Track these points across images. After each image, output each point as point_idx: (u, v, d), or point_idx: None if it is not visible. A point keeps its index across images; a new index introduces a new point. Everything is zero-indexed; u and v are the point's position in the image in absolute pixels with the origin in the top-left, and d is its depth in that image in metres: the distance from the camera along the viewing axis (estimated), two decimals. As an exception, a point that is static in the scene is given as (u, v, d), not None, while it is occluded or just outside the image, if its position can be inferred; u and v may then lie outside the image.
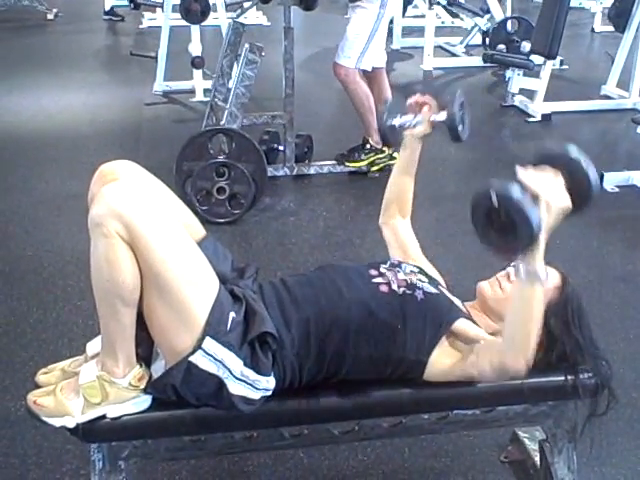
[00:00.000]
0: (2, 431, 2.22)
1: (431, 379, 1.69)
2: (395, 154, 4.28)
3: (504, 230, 1.42)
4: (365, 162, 4.27)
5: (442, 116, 1.88)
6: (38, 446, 2.16)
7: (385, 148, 4.27)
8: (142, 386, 1.61)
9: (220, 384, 1.57)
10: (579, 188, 1.54)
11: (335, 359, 1.65)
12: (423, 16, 6.80)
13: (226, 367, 1.56)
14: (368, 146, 4.26)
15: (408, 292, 1.71)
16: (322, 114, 5.28)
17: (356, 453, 2.15)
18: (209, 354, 1.54)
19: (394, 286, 1.72)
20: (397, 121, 1.94)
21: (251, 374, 1.58)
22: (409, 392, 1.73)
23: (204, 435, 1.71)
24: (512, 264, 1.76)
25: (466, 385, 1.72)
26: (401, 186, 2.03)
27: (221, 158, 3.67)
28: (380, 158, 4.28)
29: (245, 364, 1.57)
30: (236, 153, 3.68)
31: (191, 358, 1.54)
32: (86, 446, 1.74)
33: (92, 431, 1.61)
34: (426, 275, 1.83)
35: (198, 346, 1.54)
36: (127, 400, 1.60)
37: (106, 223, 1.47)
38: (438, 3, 6.91)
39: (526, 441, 2.07)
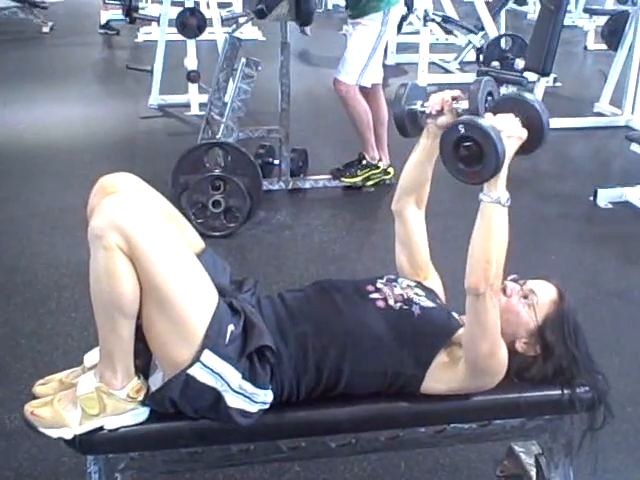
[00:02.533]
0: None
1: (429, 392, 1.69)
2: (390, 169, 4.30)
3: (471, 159, 1.54)
4: (360, 177, 4.29)
5: (465, 104, 1.71)
6: (33, 458, 2.14)
7: (380, 164, 4.30)
8: (140, 398, 1.61)
9: (218, 397, 1.57)
10: (534, 126, 1.64)
11: (333, 374, 1.66)
12: (418, 32, 6.84)
13: (224, 380, 1.56)
14: (364, 162, 4.28)
15: (405, 307, 1.71)
16: (317, 129, 5.30)
17: (352, 467, 2.15)
18: (207, 367, 1.55)
19: (390, 301, 1.73)
20: (418, 106, 1.79)
21: (249, 387, 1.58)
22: (406, 405, 1.73)
23: (201, 447, 1.70)
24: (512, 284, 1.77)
25: (463, 399, 1.73)
26: (421, 175, 1.91)
27: (217, 172, 3.69)
28: (375, 174, 4.30)
29: (243, 377, 1.58)
30: (232, 167, 3.69)
31: (189, 371, 1.54)
32: (82, 459, 1.74)
33: (89, 443, 1.60)
34: (423, 288, 1.83)
35: (197, 359, 1.54)
36: (125, 412, 1.59)
37: (106, 235, 1.48)
38: (433, 20, 6.96)
39: (522, 455, 2.07)
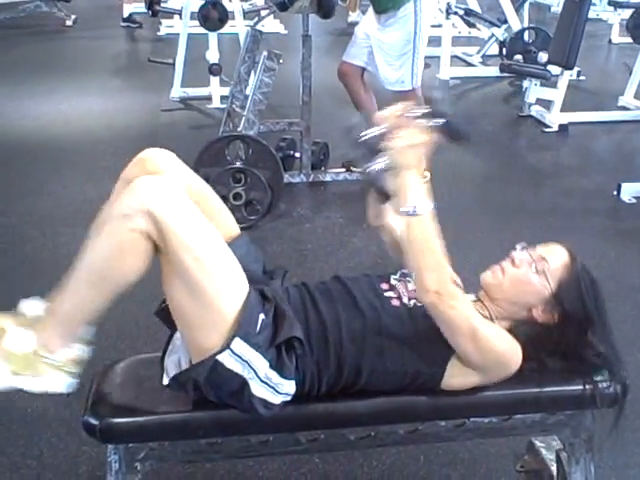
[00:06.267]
0: (18, 431, 2.23)
1: (449, 388, 1.69)
2: None
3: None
4: None
5: (438, 120, 1.70)
6: (54, 447, 2.16)
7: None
8: (74, 369, 1.57)
9: (243, 384, 1.56)
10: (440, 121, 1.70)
11: (353, 371, 1.65)
12: (440, 26, 6.79)
13: (252, 368, 1.55)
14: None
15: (419, 305, 1.69)
16: (339, 122, 5.27)
17: (371, 459, 2.15)
18: (237, 354, 1.54)
19: (405, 299, 1.72)
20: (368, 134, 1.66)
21: (275, 377, 1.58)
22: (426, 399, 1.72)
23: (220, 438, 1.71)
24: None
25: (483, 392, 1.72)
26: None
27: (238, 164, 3.69)
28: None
29: (270, 366, 1.57)
30: (253, 159, 3.69)
31: (218, 357, 1.53)
32: (102, 448, 1.75)
33: (110, 432, 1.61)
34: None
35: (227, 346, 1.53)
36: (52, 377, 1.55)
37: (136, 218, 1.47)
38: (455, 13, 6.92)
39: (542, 450, 2.06)
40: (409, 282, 1.76)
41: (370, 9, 4.09)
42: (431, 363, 1.66)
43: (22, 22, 8.65)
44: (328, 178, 4.32)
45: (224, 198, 3.63)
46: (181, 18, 6.12)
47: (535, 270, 1.71)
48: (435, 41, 7.36)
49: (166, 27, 8.39)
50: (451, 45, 6.81)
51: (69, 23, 8.79)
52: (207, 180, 3.57)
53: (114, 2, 9.32)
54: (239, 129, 3.92)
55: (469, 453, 2.18)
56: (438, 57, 6.81)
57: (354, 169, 4.24)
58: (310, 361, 1.63)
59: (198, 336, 1.56)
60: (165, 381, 1.61)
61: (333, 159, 4.46)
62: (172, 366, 1.65)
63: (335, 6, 4.11)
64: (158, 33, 8.38)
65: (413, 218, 1.57)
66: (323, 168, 4.39)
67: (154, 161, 1.71)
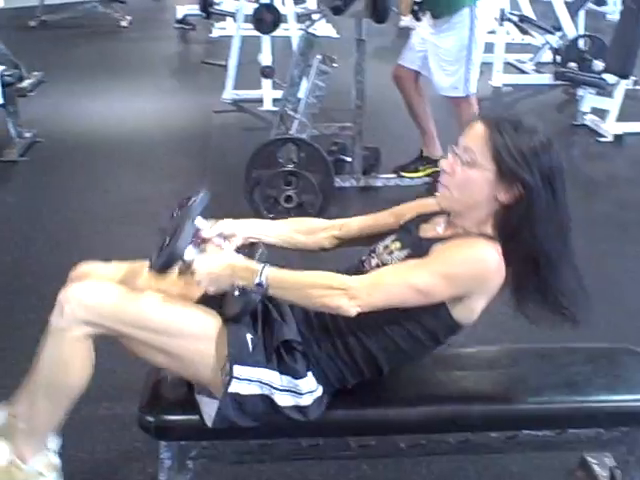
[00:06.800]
0: (69, 428, 2.26)
1: (469, 320, 1.65)
2: None
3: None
4: (422, 174, 4.24)
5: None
6: (106, 442, 2.20)
7: None
8: (50, 476, 1.66)
9: (269, 401, 1.61)
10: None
11: (365, 355, 1.65)
12: (493, 32, 6.72)
13: (265, 384, 1.60)
14: (425, 158, 4.23)
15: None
16: (391, 127, 5.27)
17: (420, 468, 2.13)
18: (244, 379, 1.59)
19: None
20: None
21: (289, 381, 1.61)
22: (479, 409, 1.72)
23: (271, 440, 1.72)
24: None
25: (537, 404, 1.70)
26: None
27: (290, 167, 3.70)
28: (438, 171, 4.19)
29: (281, 373, 1.61)
30: (304, 163, 3.70)
31: (230, 390, 1.58)
32: (154, 445, 1.76)
33: (164, 429, 1.64)
34: (393, 245, 1.74)
35: (230, 376, 1.58)
36: None
37: (71, 329, 1.56)
38: (509, 20, 6.84)
39: (595, 467, 2.02)
40: (372, 258, 1.75)
41: (427, 14, 4.08)
42: (433, 314, 1.62)
43: (79, 22, 8.80)
44: (379, 183, 4.30)
45: (275, 201, 3.66)
46: (235, 20, 6.17)
47: (467, 165, 1.61)
48: (487, 47, 7.32)
49: (218, 29, 8.44)
50: (504, 52, 6.73)
51: (124, 24, 8.91)
52: (259, 182, 3.68)
53: (168, 4, 9.44)
54: (291, 132, 3.93)
55: (519, 466, 2.15)
56: (491, 64, 6.75)
57: (406, 175, 4.24)
58: (319, 353, 1.64)
59: (202, 378, 1.62)
60: (209, 423, 1.64)
61: (385, 164, 4.45)
62: (205, 403, 1.67)
63: (389, 10, 4.10)
64: (210, 35, 8.44)
65: (259, 289, 1.56)
66: (374, 173, 4.38)
67: (79, 273, 1.84)
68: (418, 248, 1.66)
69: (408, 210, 1.86)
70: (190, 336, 1.61)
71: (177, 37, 8.65)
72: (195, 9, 8.32)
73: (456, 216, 1.69)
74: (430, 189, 4.15)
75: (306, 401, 1.62)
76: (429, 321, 1.63)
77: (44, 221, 3.79)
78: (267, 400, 1.60)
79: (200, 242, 1.67)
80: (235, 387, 1.58)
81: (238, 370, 1.57)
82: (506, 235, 1.61)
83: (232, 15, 6.62)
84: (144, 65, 7.15)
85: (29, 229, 3.71)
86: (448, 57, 3.93)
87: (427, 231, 1.74)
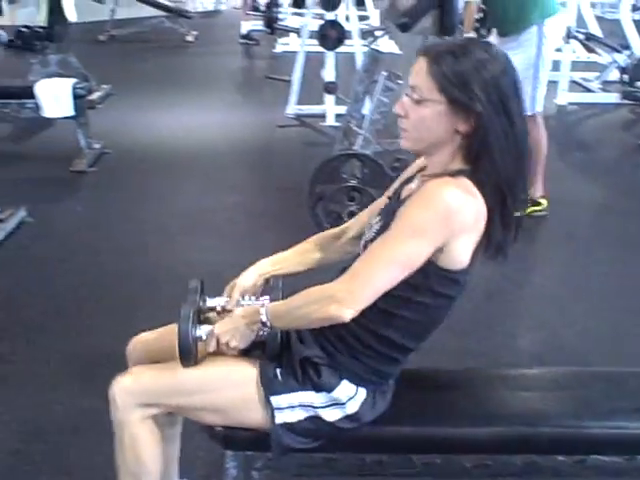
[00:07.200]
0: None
1: (463, 265, 1.56)
2: (542, 200, 4.03)
3: None
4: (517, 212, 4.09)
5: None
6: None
7: (543, 200, 4.04)
8: None
9: (318, 419, 1.62)
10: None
11: (383, 339, 1.61)
12: (559, 50, 6.65)
13: (308, 405, 1.61)
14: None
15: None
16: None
17: (483, 489, 2.10)
18: (286, 407, 1.61)
19: None
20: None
21: (325, 395, 1.62)
22: (547, 431, 1.69)
23: (337, 454, 1.72)
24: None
25: (607, 429, 1.66)
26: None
27: (353, 183, 3.72)
28: (537, 211, 4.02)
29: (315, 391, 1.62)
30: (368, 178, 3.71)
31: (277, 421, 1.61)
32: (217, 454, 1.79)
33: (232, 439, 1.66)
34: (374, 219, 1.71)
35: (271, 409, 1.60)
36: None
37: (130, 412, 1.64)
38: (575, 37, 6.77)
39: (665, 495, 1.97)
40: (362, 240, 1.71)
41: (493, 32, 4.06)
42: (422, 274, 1.54)
43: (146, 37, 9.03)
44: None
45: (339, 216, 3.68)
46: (299, 36, 6.24)
47: (417, 103, 1.54)
48: (553, 65, 7.24)
49: (282, 45, 8.57)
50: (570, 70, 6.66)
51: (190, 39, 9.11)
52: (322, 197, 3.70)
53: (233, 20, 9.62)
54: (355, 147, 3.95)
55: (586, 491, 2.11)
56: (556, 82, 6.67)
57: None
58: (342, 358, 1.63)
59: (252, 422, 1.65)
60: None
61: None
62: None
63: (457, 27, 4.10)
64: (274, 50, 8.57)
65: (265, 321, 1.58)
66: (436, 190, 4.36)
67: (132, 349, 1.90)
68: (387, 215, 1.63)
69: (398, 181, 1.82)
70: (224, 387, 1.65)
71: (241, 52, 8.80)
72: (259, 25, 8.47)
73: (427, 159, 1.64)
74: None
75: (352, 408, 1.62)
76: (421, 282, 1.55)
77: (111, 231, 3.88)
78: (316, 420, 1.62)
79: (222, 314, 1.77)
80: (281, 417, 1.61)
81: (276, 400, 1.61)
82: (472, 166, 1.55)
83: (296, 31, 6.70)
84: (209, 79, 7.28)
85: (96, 238, 3.80)
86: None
87: (406, 192, 1.69)
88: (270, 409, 1.61)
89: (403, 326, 1.61)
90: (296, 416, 1.61)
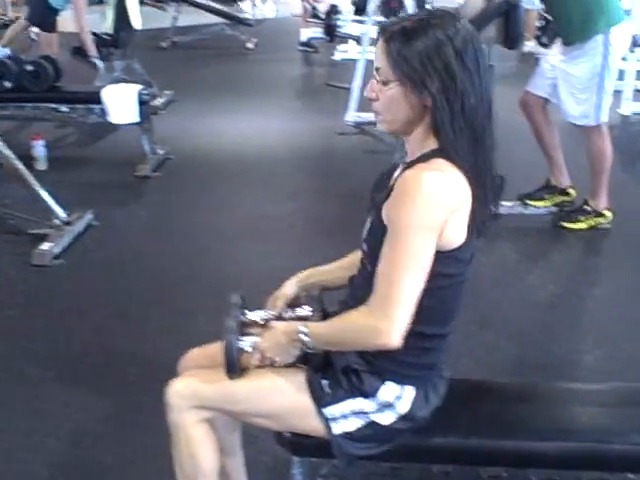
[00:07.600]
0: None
1: (446, 243, 1.54)
2: (606, 211, 3.98)
3: None
4: (584, 225, 3.98)
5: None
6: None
7: (607, 212, 3.97)
8: None
9: (375, 425, 1.62)
10: None
11: (412, 336, 1.57)
12: (624, 59, 6.53)
13: (360, 412, 1.62)
14: (589, 208, 3.98)
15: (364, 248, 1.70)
16: (516, 153, 5.19)
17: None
18: (339, 417, 1.62)
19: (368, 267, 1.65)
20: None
21: (374, 400, 1.62)
22: (618, 448, 1.66)
23: (403, 463, 1.72)
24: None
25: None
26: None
27: (413, 191, 3.70)
28: (601, 223, 3.97)
29: (363, 397, 1.62)
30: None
31: (335, 432, 1.62)
32: (279, 459, 1.82)
33: (300, 445, 1.68)
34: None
35: (326, 419, 1.62)
36: None
37: (185, 415, 1.67)
38: (640, 46, 6.64)
39: None
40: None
41: (558, 41, 4.01)
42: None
43: (207, 44, 9.16)
44: (502, 211, 4.16)
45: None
46: (359, 44, 6.26)
47: (384, 85, 1.54)
48: (618, 74, 7.10)
49: (340, 52, 8.60)
50: (634, 79, 6.53)
51: (250, 46, 9.20)
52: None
53: (292, 27, 9.68)
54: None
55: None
56: (620, 91, 6.55)
57: (531, 203, 4.15)
58: (380, 362, 1.62)
59: (306, 428, 1.66)
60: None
61: (508, 192, 4.36)
62: None
63: (522, 37, 4.06)
64: (332, 57, 8.60)
65: (308, 341, 1.60)
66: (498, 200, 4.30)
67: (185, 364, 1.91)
68: (373, 211, 1.63)
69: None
70: (274, 395, 1.67)
71: (300, 59, 8.85)
72: (319, 32, 8.52)
73: (407, 139, 1.62)
74: (555, 219, 4.07)
75: (403, 408, 1.63)
76: (430, 269, 1.54)
77: (173, 235, 3.95)
78: (373, 425, 1.62)
79: (264, 327, 1.78)
80: (337, 428, 1.62)
81: (329, 411, 1.62)
82: (441, 142, 1.55)
83: (356, 38, 6.72)
84: (269, 86, 7.35)
85: (158, 242, 3.87)
86: (579, 85, 3.84)
87: (391, 181, 1.66)
88: (325, 420, 1.62)
89: (425, 316, 1.58)
90: (352, 424, 1.62)
